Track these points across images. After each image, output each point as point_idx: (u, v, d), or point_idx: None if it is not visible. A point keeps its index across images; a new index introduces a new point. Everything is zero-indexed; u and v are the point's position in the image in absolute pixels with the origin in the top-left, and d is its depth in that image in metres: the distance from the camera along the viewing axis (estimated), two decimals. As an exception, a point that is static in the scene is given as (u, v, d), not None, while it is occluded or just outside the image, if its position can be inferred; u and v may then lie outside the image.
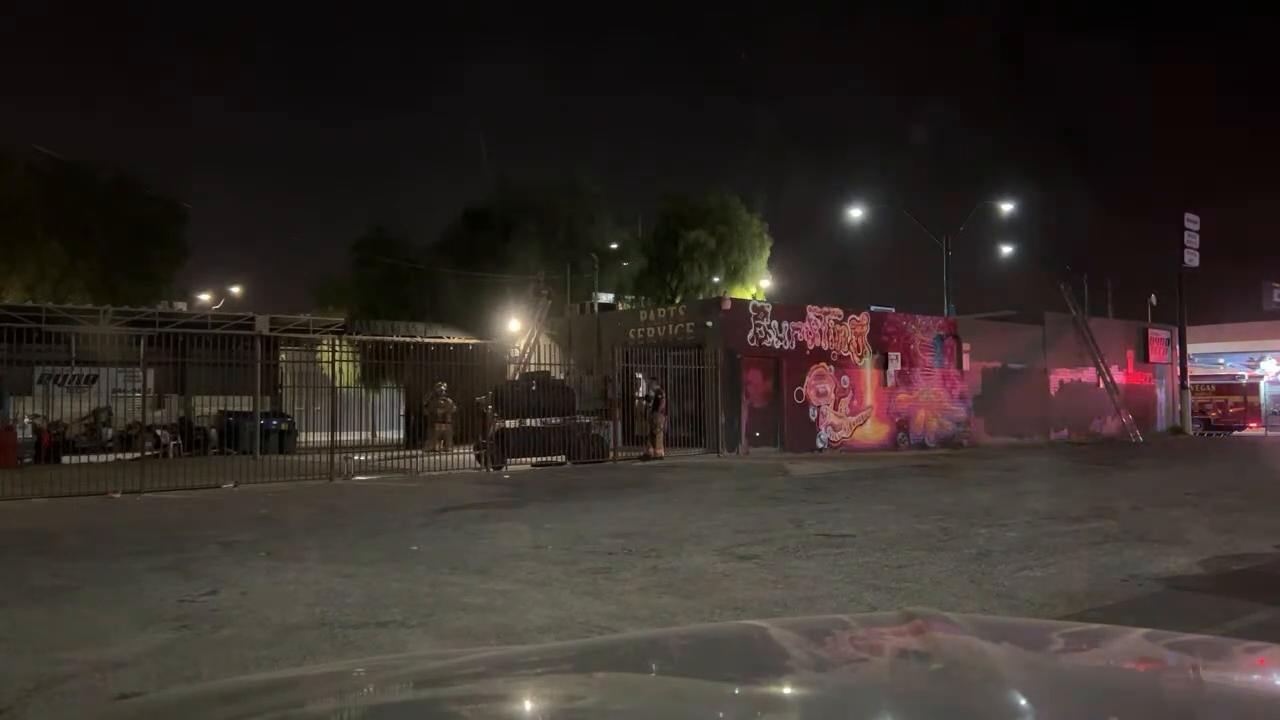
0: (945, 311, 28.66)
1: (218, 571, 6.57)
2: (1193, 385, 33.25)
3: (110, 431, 20.47)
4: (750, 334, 21.38)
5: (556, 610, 5.29)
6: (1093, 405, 28.60)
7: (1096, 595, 5.63)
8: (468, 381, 19.74)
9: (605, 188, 46.23)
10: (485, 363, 21.25)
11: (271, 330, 23.32)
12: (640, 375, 20.40)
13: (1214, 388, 36.16)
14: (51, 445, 18.77)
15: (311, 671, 2.42)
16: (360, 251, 32.55)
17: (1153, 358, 31.75)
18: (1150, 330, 32.20)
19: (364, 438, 23.05)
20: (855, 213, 32.02)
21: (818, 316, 22.73)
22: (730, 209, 33.74)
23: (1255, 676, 1.46)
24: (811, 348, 22.37)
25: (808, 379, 22.18)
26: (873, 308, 24.68)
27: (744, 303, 23.00)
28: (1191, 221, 33.04)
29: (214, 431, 21.80)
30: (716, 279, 33.14)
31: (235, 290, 39.90)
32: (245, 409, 22.14)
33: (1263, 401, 35.53)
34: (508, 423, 17.44)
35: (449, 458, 18.21)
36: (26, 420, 20.45)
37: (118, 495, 12.24)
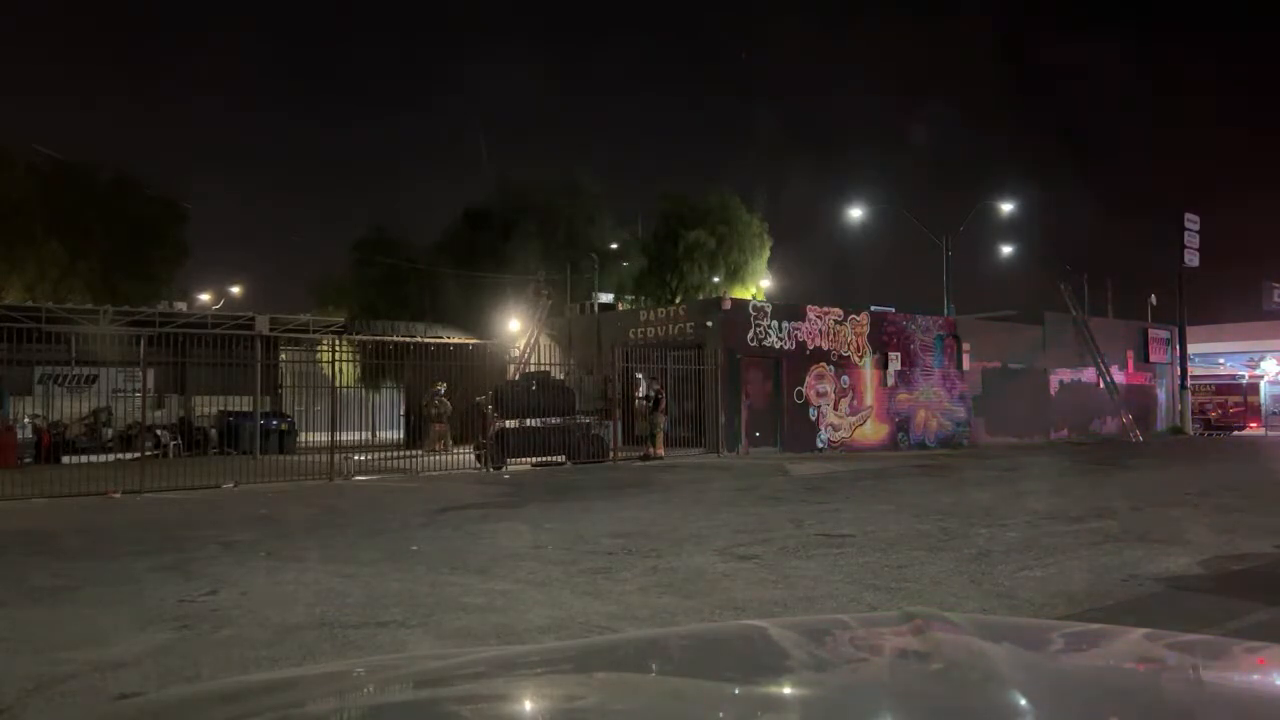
0: (945, 311, 28.66)
1: (218, 571, 6.57)
2: (1193, 385, 33.27)
3: (110, 431, 20.47)
4: (750, 334, 21.39)
5: (556, 610, 5.29)
6: (1093, 405, 28.61)
7: (1096, 595, 5.63)
8: (468, 381, 19.74)
9: (605, 188, 46.26)
10: (485, 363, 21.26)
11: (271, 330, 23.32)
12: (640, 375, 20.40)
13: (1214, 388, 36.17)
14: (51, 445, 18.77)
15: (311, 671, 2.42)
16: (360, 251, 32.56)
17: (1153, 358, 31.75)
18: (1150, 330, 32.20)
19: (364, 438, 23.07)
20: (855, 213, 32.02)
21: (818, 316, 22.73)
22: (730, 209, 33.75)
23: (1255, 676, 1.46)
24: (811, 348, 22.37)
25: (808, 379, 22.18)
26: (873, 308, 24.68)
27: (744, 303, 23.00)
28: (1191, 221, 33.05)
29: (214, 431, 21.80)
30: (716, 279, 33.14)
31: (235, 290, 39.94)
32: (245, 409, 22.15)
33: (1263, 401, 35.54)
34: (508, 423, 17.44)
35: (449, 458, 18.21)
36: (26, 420, 20.44)
37: (118, 495, 12.24)
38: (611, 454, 18.22)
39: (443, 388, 20.96)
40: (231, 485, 13.72)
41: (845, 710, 1.23)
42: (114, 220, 28.29)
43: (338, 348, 18.06)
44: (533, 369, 21.64)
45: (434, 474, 16.26)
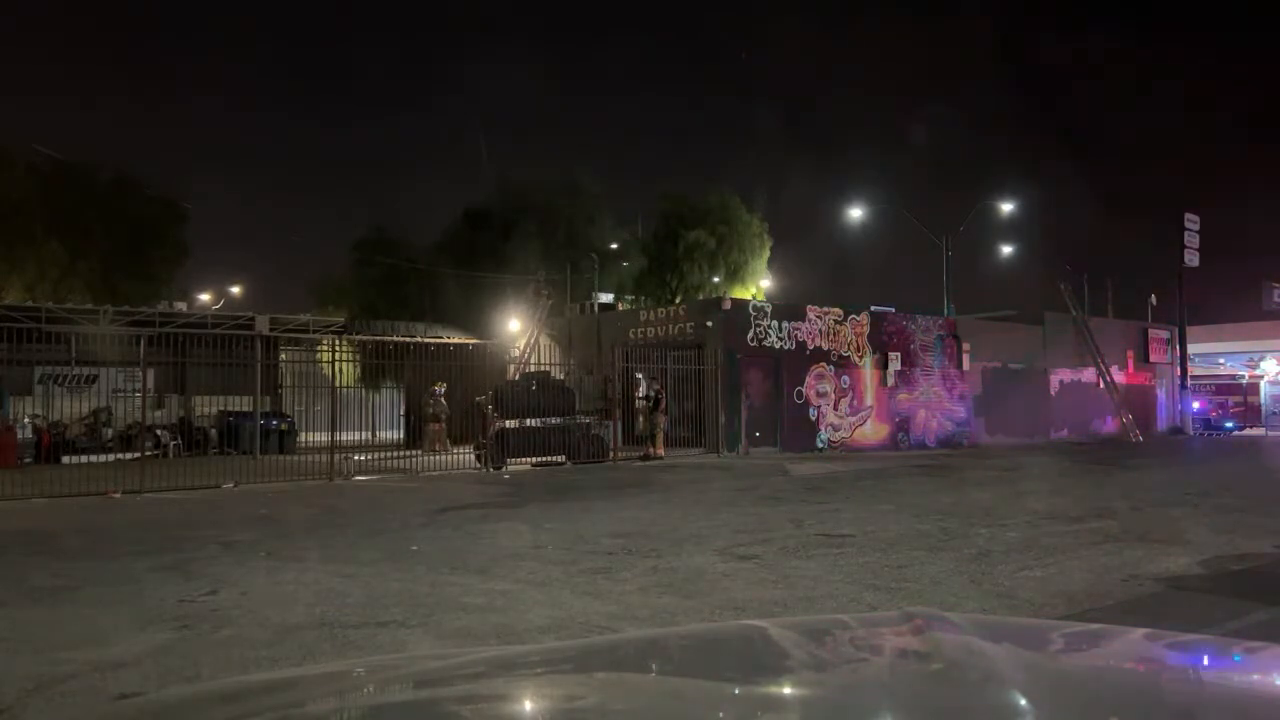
0: (945, 311, 28.65)
1: (218, 571, 6.57)
2: (1193, 385, 33.26)
3: (110, 431, 20.47)
4: (750, 334, 21.39)
5: (556, 610, 5.29)
6: (1093, 405, 28.61)
7: (1096, 595, 5.63)
8: (468, 381, 19.75)
9: (605, 188, 46.19)
10: (485, 363, 21.26)
11: (271, 330, 23.32)
12: (640, 375, 20.40)
13: (1214, 388, 36.17)
14: (51, 445, 18.77)
15: (311, 671, 2.42)
16: (360, 251, 32.56)
17: (1153, 358, 31.75)
18: (1150, 330, 32.20)
19: (364, 438, 23.06)
20: (855, 213, 32.02)
21: (818, 316, 22.73)
22: (730, 209, 33.75)
23: (1255, 676, 1.46)
24: (811, 348, 22.37)
25: (808, 379, 22.19)
26: (873, 308, 24.67)
27: (744, 303, 23.01)
28: (1191, 221, 33.06)
29: (214, 431, 21.80)
30: (716, 279, 33.14)
31: (235, 290, 39.92)
32: (245, 409, 22.15)
33: (1263, 401, 35.54)
34: (508, 423, 17.44)
35: (449, 458, 18.21)
36: (26, 420, 20.44)
37: (118, 495, 12.24)
38: (611, 454, 18.22)
39: (442, 388, 20.96)
40: (231, 485, 13.72)
41: (845, 710, 1.23)
42: (114, 220, 28.29)
43: (338, 348, 18.06)
44: (533, 369, 21.65)
45: (434, 474, 16.26)
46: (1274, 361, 38.48)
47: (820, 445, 22.00)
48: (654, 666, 1.54)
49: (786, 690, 1.36)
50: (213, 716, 1.27)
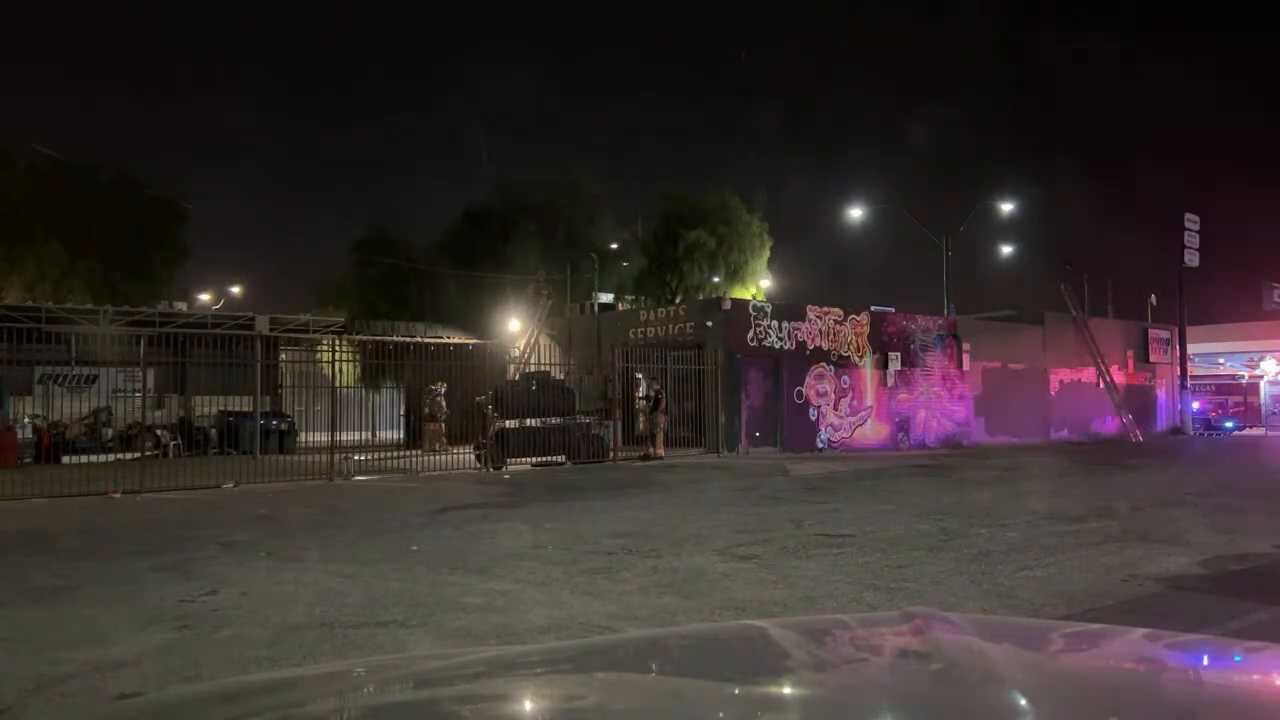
0: (945, 311, 28.66)
1: (218, 571, 6.57)
2: (1192, 385, 33.26)
3: (110, 431, 20.47)
4: (750, 334, 21.39)
5: (556, 610, 5.29)
6: (1093, 405, 28.61)
7: (1096, 595, 5.63)
8: (468, 381, 19.75)
9: (605, 188, 46.17)
10: (485, 363, 21.27)
11: (271, 330, 23.32)
12: (640, 375, 20.41)
13: (1214, 388, 36.16)
14: (51, 445, 18.78)
15: (311, 671, 2.42)
16: (360, 251, 32.57)
17: (1153, 358, 31.75)
18: (1150, 330, 32.20)
19: (364, 438, 23.07)
20: (855, 212, 32.03)
21: (818, 316, 22.73)
22: (730, 209, 33.75)
23: (1255, 676, 1.46)
24: (811, 348, 22.37)
25: (808, 379, 22.18)
26: (873, 308, 24.68)
27: (744, 303, 23.01)
28: (1191, 221, 33.06)
29: (214, 431, 21.81)
30: (716, 279, 33.14)
31: (235, 290, 39.91)
32: (245, 409, 22.15)
33: (1262, 401, 35.54)
34: (508, 423, 17.45)
35: (449, 458, 18.21)
36: (26, 420, 20.45)
37: (118, 495, 12.24)
38: (611, 454, 18.23)
39: (442, 388, 20.96)
40: (231, 485, 13.72)
41: (845, 710, 1.23)
42: (114, 220, 28.30)
43: (338, 348, 18.06)
44: (533, 369, 21.65)
45: (434, 474, 16.26)
46: (1274, 361, 38.46)
47: (820, 445, 21.99)
48: (654, 666, 1.54)
49: (786, 690, 1.36)
50: (213, 716, 1.27)
